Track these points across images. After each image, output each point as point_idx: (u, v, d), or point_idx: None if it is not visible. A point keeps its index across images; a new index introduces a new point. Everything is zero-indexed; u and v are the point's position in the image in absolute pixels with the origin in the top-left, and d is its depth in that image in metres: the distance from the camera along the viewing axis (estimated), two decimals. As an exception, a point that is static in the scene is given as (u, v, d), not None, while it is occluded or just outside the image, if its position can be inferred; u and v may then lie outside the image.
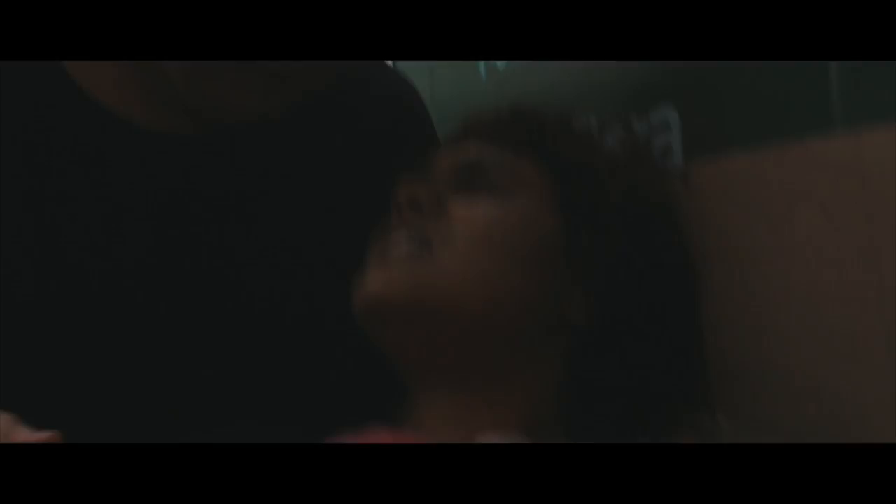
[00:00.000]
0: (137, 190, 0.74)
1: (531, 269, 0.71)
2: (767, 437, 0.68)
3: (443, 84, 1.23)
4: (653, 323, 0.71)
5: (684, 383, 0.73)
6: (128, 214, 0.73)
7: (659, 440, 0.59)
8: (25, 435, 0.52)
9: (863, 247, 0.60)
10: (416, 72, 1.31)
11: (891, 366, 0.59)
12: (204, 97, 0.72)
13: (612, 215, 0.72)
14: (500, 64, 1.05)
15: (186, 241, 0.74)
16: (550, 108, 0.80)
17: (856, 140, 0.62)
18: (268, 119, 0.76)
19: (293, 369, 0.75)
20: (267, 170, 0.78)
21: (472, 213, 0.72)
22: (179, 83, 0.72)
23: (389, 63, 0.96)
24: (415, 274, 0.70)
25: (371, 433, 0.66)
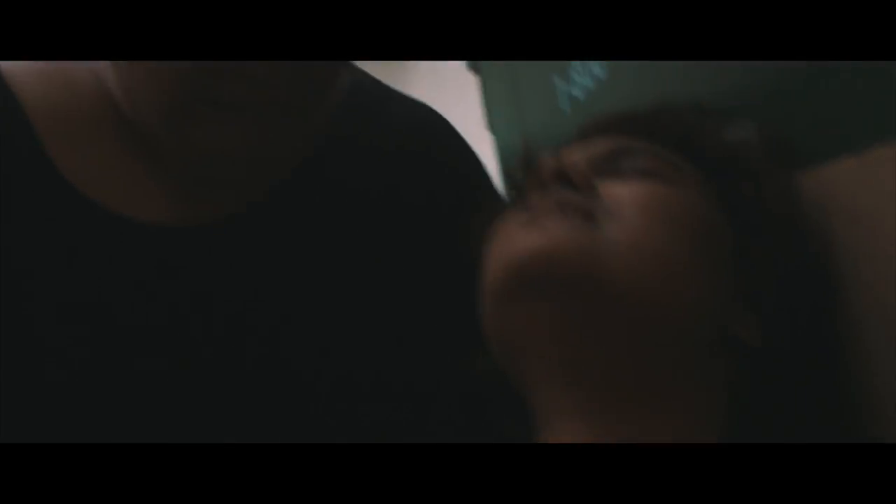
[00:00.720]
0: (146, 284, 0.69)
1: (702, 257, 0.61)
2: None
3: (530, 123, 1.24)
4: (817, 345, 0.63)
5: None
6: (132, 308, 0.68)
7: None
8: None
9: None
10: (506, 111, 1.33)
11: None
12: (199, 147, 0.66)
13: (773, 220, 0.65)
14: (579, 94, 1.06)
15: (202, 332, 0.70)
16: (686, 105, 0.72)
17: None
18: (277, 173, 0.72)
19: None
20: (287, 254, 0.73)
21: (634, 189, 0.62)
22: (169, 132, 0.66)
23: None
24: (582, 238, 0.58)
25: None
